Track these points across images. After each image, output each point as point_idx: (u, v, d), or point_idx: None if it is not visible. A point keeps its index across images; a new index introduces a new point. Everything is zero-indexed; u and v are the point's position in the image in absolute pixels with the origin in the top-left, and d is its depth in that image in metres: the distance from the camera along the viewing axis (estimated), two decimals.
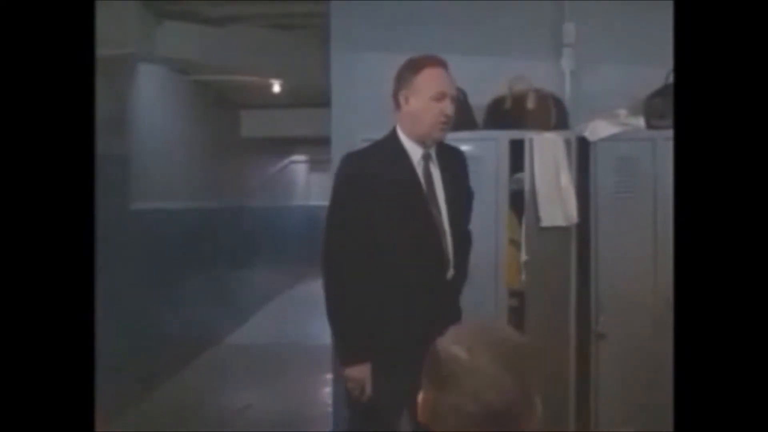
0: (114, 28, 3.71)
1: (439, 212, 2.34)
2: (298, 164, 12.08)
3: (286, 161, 11.12)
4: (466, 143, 3.19)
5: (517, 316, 3.18)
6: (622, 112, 3.23)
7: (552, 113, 3.19)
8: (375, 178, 2.29)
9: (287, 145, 10.37)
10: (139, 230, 4.90)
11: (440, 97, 2.27)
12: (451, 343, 1.21)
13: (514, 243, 3.19)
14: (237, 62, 5.00)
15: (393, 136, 2.38)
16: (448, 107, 2.28)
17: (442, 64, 2.32)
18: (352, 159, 2.40)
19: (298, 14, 4.61)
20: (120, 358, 4.19)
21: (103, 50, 4.02)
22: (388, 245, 2.28)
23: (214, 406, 4.77)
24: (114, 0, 3.69)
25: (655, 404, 2.91)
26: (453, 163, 2.45)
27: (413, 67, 2.31)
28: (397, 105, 2.35)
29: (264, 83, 6.00)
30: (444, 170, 2.39)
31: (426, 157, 2.36)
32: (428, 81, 2.28)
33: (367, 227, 2.27)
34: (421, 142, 2.34)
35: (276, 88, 6.13)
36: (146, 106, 5.02)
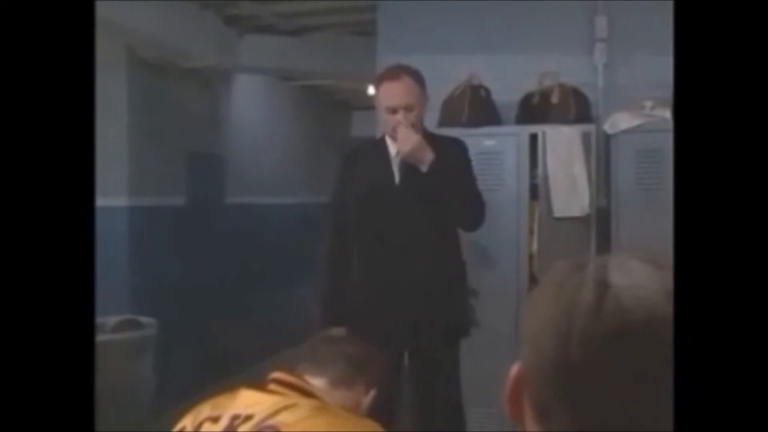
0: (197, 44, 4.24)
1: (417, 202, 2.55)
2: None
3: None
4: (488, 138, 3.36)
5: None
6: (648, 103, 3.21)
7: (572, 107, 3.25)
8: (358, 176, 2.55)
9: None
10: (236, 223, 5.48)
11: (391, 111, 2.41)
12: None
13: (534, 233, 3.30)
14: (324, 68, 5.41)
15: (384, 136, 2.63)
16: (400, 119, 2.40)
17: (399, 76, 2.43)
18: (345, 160, 2.71)
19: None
20: (220, 344, 4.78)
21: (189, 63, 4.64)
22: (366, 237, 2.53)
23: None
24: (197, 18, 4.20)
25: None
26: (446, 154, 2.62)
27: (377, 80, 2.52)
28: None
29: (358, 87, 6.38)
30: (430, 162, 2.58)
31: None
32: (383, 95, 2.45)
33: (352, 222, 2.55)
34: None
35: (371, 90, 6.49)
36: (244, 109, 5.61)
